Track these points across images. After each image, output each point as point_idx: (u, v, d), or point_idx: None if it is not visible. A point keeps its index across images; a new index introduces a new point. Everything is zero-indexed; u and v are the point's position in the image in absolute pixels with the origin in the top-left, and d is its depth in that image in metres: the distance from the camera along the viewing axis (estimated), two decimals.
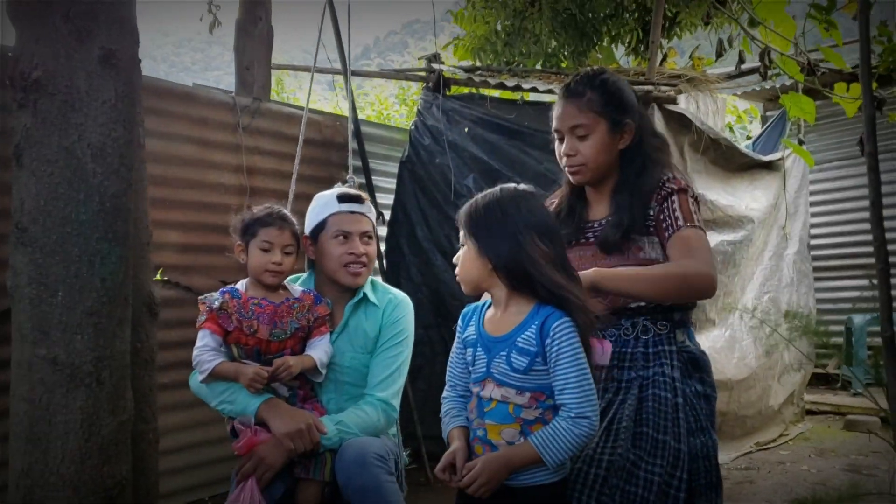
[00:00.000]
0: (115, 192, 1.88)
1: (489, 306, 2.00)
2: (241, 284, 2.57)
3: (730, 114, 9.72)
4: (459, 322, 2.05)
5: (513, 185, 1.98)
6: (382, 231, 5.18)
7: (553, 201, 2.41)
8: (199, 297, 2.46)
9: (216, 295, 2.46)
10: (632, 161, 2.24)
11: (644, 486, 2.01)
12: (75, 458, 1.84)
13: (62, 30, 1.76)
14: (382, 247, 5.10)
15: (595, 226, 2.27)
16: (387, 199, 5.26)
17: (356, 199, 2.72)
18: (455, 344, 2.05)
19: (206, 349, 2.38)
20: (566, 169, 2.27)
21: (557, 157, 2.31)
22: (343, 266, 2.67)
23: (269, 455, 2.37)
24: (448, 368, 2.05)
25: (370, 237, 2.72)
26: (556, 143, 2.30)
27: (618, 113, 2.22)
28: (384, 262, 5.03)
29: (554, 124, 2.29)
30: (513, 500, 1.88)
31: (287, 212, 2.63)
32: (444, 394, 2.05)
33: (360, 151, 4.85)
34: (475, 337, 1.97)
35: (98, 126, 1.85)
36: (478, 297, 2.07)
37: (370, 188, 4.84)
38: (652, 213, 2.17)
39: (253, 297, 2.53)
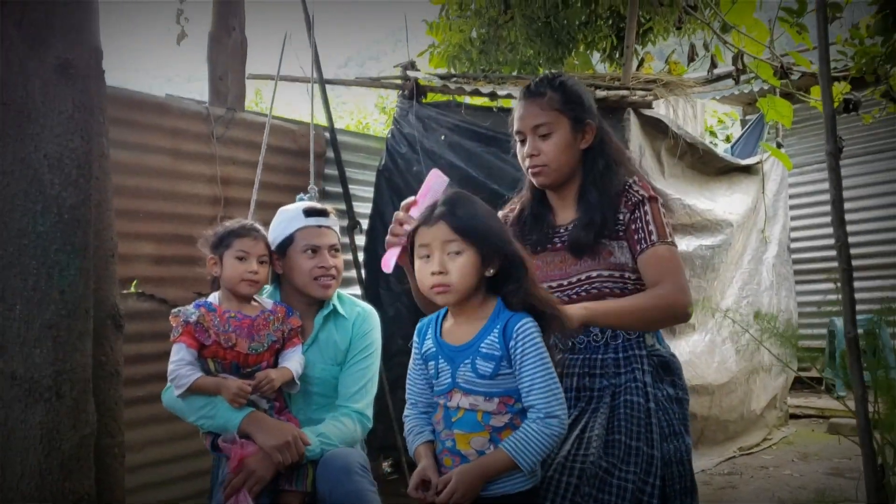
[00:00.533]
0: (73, 203, 1.85)
1: (443, 317, 1.96)
2: (213, 298, 2.57)
3: (712, 117, 9.77)
4: (415, 338, 2.01)
5: (460, 191, 1.96)
6: (361, 241, 5.14)
7: (512, 209, 2.39)
8: (172, 311, 2.45)
9: (191, 309, 2.45)
10: (594, 163, 2.24)
11: (617, 493, 1.99)
12: (35, 473, 1.81)
13: (15, 38, 1.73)
14: (361, 257, 5.07)
15: (562, 231, 2.26)
16: (364, 209, 5.23)
17: (322, 213, 2.75)
18: (413, 360, 2.00)
19: (182, 363, 2.36)
20: (529, 171, 2.26)
21: (520, 160, 2.29)
22: (314, 279, 2.69)
23: (258, 468, 2.39)
24: (408, 386, 2.01)
25: (337, 250, 2.75)
26: (518, 145, 2.29)
27: (579, 112, 2.21)
28: (362, 272, 4.99)
29: (515, 126, 2.27)
30: None
31: (259, 225, 2.65)
32: (406, 412, 2.00)
33: (336, 160, 4.82)
34: (434, 350, 1.93)
35: (55, 137, 1.83)
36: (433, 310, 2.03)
37: (347, 197, 4.81)
38: (622, 217, 2.16)
39: (228, 310, 2.53)
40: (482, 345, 1.84)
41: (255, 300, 2.66)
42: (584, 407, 2.13)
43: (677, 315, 2.13)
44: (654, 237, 2.13)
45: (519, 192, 2.44)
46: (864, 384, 1.46)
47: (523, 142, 2.26)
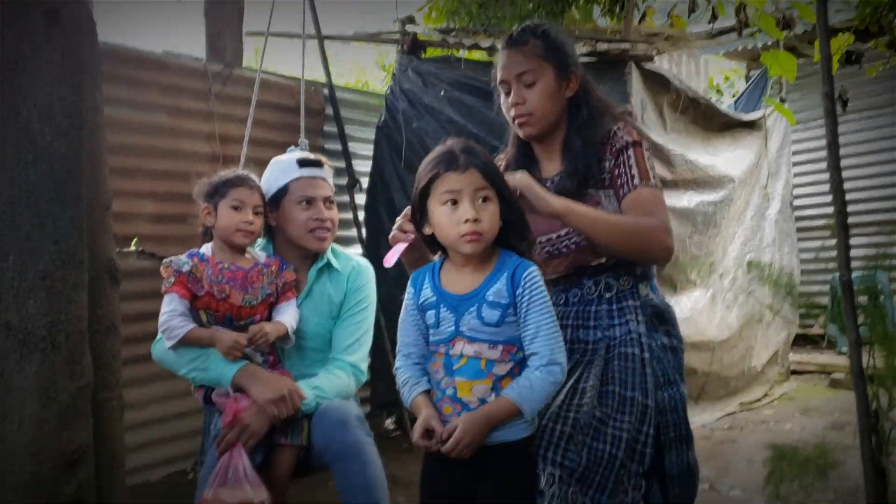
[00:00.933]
0: (64, 154, 1.84)
1: (440, 268, 1.95)
2: (205, 248, 2.51)
3: (718, 74, 9.67)
4: (410, 288, 1.98)
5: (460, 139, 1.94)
6: (361, 199, 5.13)
7: (500, 163, 2.37)
8: (164, 261, 2.39)
9: (184, 259, 2.40)
10: (578, 111, 2.20)
11: (612, 442, 1.99)
12: (32, 423, 1.82)
13: None
14: (361, 216, 5.06)
15: (548, 184, 2.23)
16: (364, 167, 5.21)
17: (317, 164, 2.68)
18: (405, 311, 1.98)
19: (174, 314, 2.32)
20: (515, 122, 2.22)
21: (504, 112, 2.26)
22: (309, 231, 2.63)
23: (253, 422, 2.35)
24: (400, 337, 1.99)
25: (331, 202, 2.69)
26: (503, 97, 2.25)
27: (563, 59, 2.18)
28: (363, 231, 4.99)
29: (499, 76, 2.23)
30: (484, 458, 1.86)
31: (253, 175, 2.60)
32: (398, 363, 1.98)
33: (335, 117, 4.79)
34: (435, 299, 1.91)
35: (44, 86, 1.81)
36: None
37: (346, 155, 4.79)
38: (607, 165, 2.14)
39: (221, 261, 2.48)
40: (489, 293, 1.84)
41: (249, 252, 2.61)
42: (579, 359, 2.13)
43: (653, 249, 2.08)
44: (636, 181, 2.10)
45: (504, 149, 2.41)
46: (857, 327, 1.46)
47: (508, 93, 2.22)
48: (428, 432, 1.84)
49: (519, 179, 1.99)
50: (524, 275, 1.84)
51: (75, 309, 1.89)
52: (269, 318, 2.55)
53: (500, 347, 1.84)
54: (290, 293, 2.61)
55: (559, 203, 2.00)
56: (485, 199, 1.83)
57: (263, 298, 2.51)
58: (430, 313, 1.91)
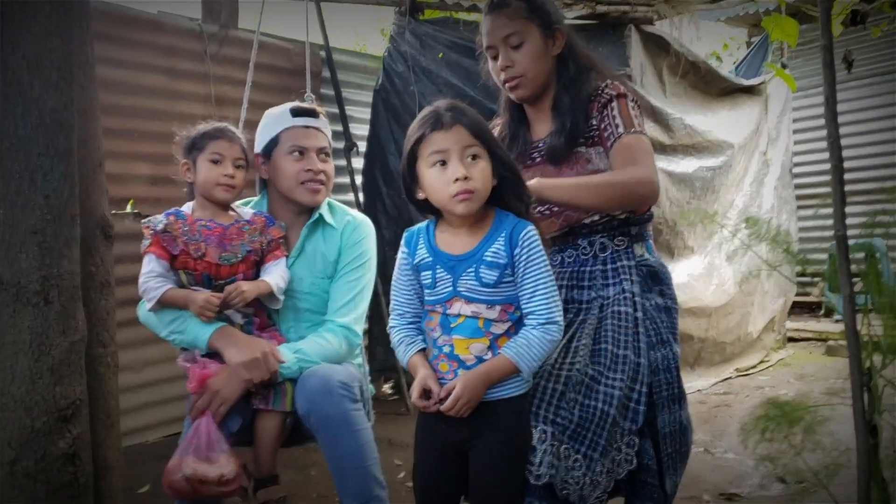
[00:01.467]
0: (54, 106, 1.82)
1: (434, 227, 1.94)
2: (186, 207, 2.42)
3: (717, 41, 9.60)
4: (404, 248, 1.96)
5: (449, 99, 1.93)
6: (358, 163, 5.11)
7: (493, 130, 2.36)
8: (143, 220, 2.31)
9: (160, 217, 2.31)
10: (566, 68, 2.19)
11: (604, 399, 2.00)
12: (26, 377, 1.82)
13: None
14: (358, 180, 5.04)
15: (540, 145, 2.23)
16: (362, 131, 5.18)
17: (311, 113, 2.53)
18: (399, 270, 1.97)
19: (151, 275, 2.23)
20: (505, 85, 2.21)
21: (494, 76, 2.24)
22: (300, 184, 2.49)
23: (223, 387, 2.24)
24: (393, 296, 1.98)
25: (327, 154, 2.55)
26: (490, 62, 2.23)
27: (546, 18, 2.16)
28: (360, 195, 4.97)
29: (485, 42, 2.21)
30: (478, 415, 1.86)
31: (234, 128, 2.48)
32: (392, 323, 1.97)
33: (332, 80, 4.76)
34: (431, 259, 1.90)
35: (32, 38, 1.78)
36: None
37: (343, 118, 4.76)
38: (594, 122, 2.13)
39: (200, 218, 2.38)
40: (486, 253, 1.84)
41: (233, 209, 2.50)
42: (573, 318, 2.13)
43: (642, 193, 2.07)
44: (620, 129, 2.09)
45: (496, 117, 2.40)
46: (851, 282, 1.45)
47: (495, 57, 2.20)
48: (426, 392, 1.84)
49: None
50: (522, 234, 1.83)
51: (68, 264, 1.88)
52: (255, 278, 2.43)
53: (498, 307, 1.84)
54: (279, 251, 2.48)
55: (532, 185, 1.99)
56: (474, 157, 1.82)
57: (244, 256, 2.39)
58: (426, 274, 1.90)
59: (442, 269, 1.88)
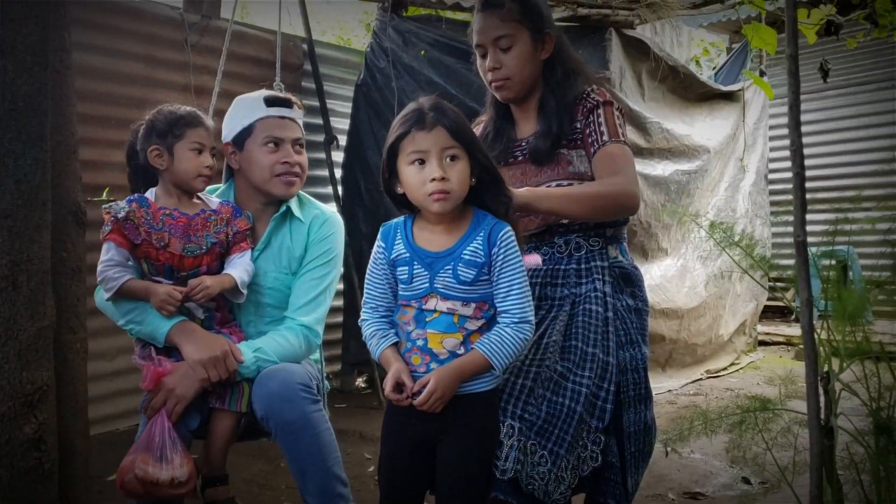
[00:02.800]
0: (28, 91, 1.82)
1: (412, 223, 1.95)
2: (150, 193, 2.34)
3: (698, 46, 9.67)
4: (381, 241, 1.97)
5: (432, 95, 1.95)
6: (338, 157, 5.11)
7: (477, 128, 2.37)
8: (104, 206, 2.23)
9: (122, 204, 2.22)
10: (553, 72, 2.23)
11: (571, 396, 2.04)
12: None
13: None
14: (338, 173, 5.05)
15: (523, 144, 2.26)
16: (342, 124, 5.18)
17: (286, 103, 2.47)
18: (374, 263, 1.97)
19: (110, 264, 2.17)
20: (492, 85, 2.23)
21: (481, 74, 2.26)
22: (275, 176, 2.43)
23: (178, 385, 2.20)
24: (367, 289, 1.98)
25: (301, 145, 2.49)
26: (479, 59, 2.25)
27: (538, 22, 2.19)
28: (339, 188, 4.98)
29: (475, 39, 2.22)
30: (447, 409, 1.87)
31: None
32: (364, 316, 1.98)
33: (313, 73, 4.76)
34: (408, 255, 1.91)
35: (8, 22, 1.78)
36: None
37: (324, 111, 4.76)
38: (578, 125, 2.17)
39: (164, 207, 2.30)
40: (465, 252, 1.86)
41: (200, 197, 2.42)
42: (544, 315, 2.17)
43: (624, 204, 2.13)
44: (605, 137, 2.13)
45: (484, 112, 2.43)
46: (809, 288, 1.48)
47: (484, 56, 2.22)
48: (399, 385, 1.86)
49: None
50: (500, 234, 1.87)
51: (38, 249, 1.88)
52: (220, 270, 2.37)
53: (473, 305, 1.87)
54: (244, 243, 2.41)
55: (523, 194, 2.02)
56: (452, 158, 1.84)
57: (209, 248, 2.33)
58: (403, 269, 1.92)
59: (419, 266, 1.90)
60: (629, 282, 2.25)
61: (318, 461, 2.27)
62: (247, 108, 2.47)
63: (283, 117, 2.46)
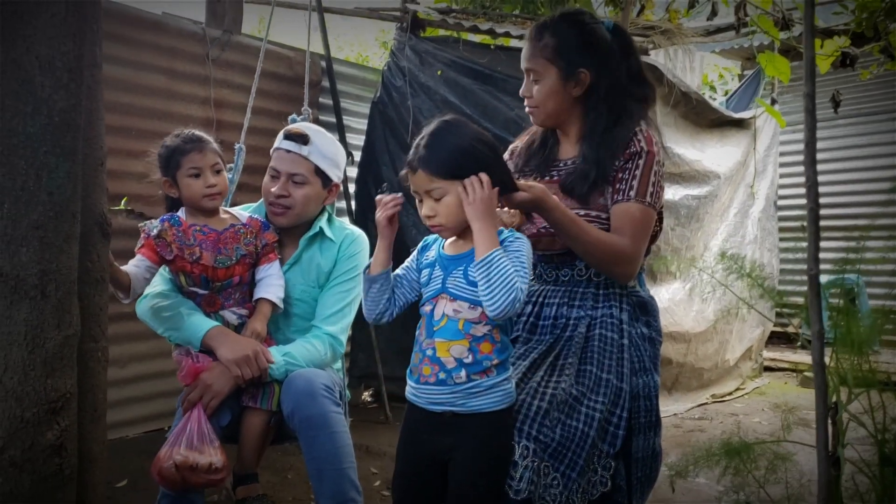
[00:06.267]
0: (63, 107, 1.86)
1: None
2: (181, 212, 2.54)
3: (713, 71, 9.73)
4: (420, 246, 2.10)
5: (449, 116, 2.00)
6: (353, 172, 5.17)
7: (525, 137, 2.45)
8: (140, 224, 2.45)
9: (155, 223, 2.44)
10: (595, 109, 2.23)
11: (585, 420, 2.06)
12: (18, 369, 1.85)
13: None
14: (352, 188, 5.11)
15: (562, 165, 2.30)
16: (357, 140, 5.25)
17: (297, 139, 2.63)
18: (409, 261, 2.09)
19: (131, 265, 2.41)
20: (526, 109, 2.31)
21: None
22: (269, 203, 2.65)
23: (215, 382, 2.38)
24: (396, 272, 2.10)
25: (301, 182, 2.63)
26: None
27: (570, 61, 2.20)
28: (352, 203, 5.03)
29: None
30: (460, 427, 1.93)
31: (199, 132, 2.58)
32: None
33: (331, 90, 4.82)
34: (434, 259, 2.02)
35: (47, 39, 1.83)
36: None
37: (340, 127, 4.82)
38: (618, 164, 2.18)
39: (194, 224, 2.50)
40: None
41: (229, 212, 2.62)
42: (560, 335, 2.20)
43: (614, 271, 2.16)
44: (632, 192, 2.14)
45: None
46: (821, 319, 1.52)
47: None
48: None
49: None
50: (509, 238, 1.93)
51: (66, 260, 1.92)
52: (252, 279, 2.57)
53: (479, 310, 1.91)
54: (272, 255, 2.60)
55: (541, 188, 2.06)
56: (441, 197, 1.91)
57: (239, 259, 2.51)
58: (426, 272, 2.02)
59: (438, 267, 1.99)
60: (645, 311, 2.29)
61: (335, 461, 2.38)
62: (278, 138, 2.69)
63: (289, 151, 2.63)
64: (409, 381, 2.03)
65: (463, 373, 1.91)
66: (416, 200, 1.98)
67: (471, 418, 1.93)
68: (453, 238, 2.02)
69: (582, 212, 2.17)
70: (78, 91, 1.91)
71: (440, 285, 1.97)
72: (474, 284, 1.90)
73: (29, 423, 1.88)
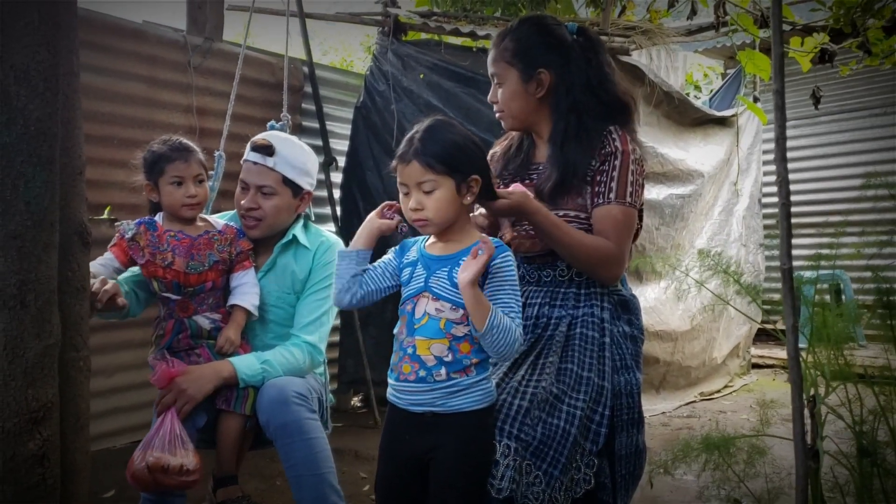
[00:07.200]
0: (39, 116, 1.86)
1: (428, 238, 2.05)
2: (158, 217, 2.56)
3: (697, 71, 9.77)
4: (399, 247, 2.09)
5: (441, 116, 2.02)
6: (337, 178, 5.17)
7: (503, 141, 2.46)
8: (116, 223, 2.48)
9: (131, 225, 2.46)
10: (557, 109, 2.24)
11: (566, 418, 2.07)
12: None
13: None
14: (336, 194, 5.11)
15: (540, 168, 2.31)
16: (341, 146, 5.25)
17: (262, 150, 2.64)
18: (388, 256, 2.08)
19: (97, 263, 2.41)
20: (496, 115, 2.34)
21: None
22: (241, 216, 2.67)
23: (190, 387, 2.39)
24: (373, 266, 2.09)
25: (269, 193, 2.64)
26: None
27: (529, 63, 2.23)
28: (337, 209, 5.03)
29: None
30: (441, 427, 1.94)
31: (187, 141, 2.60)
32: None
33: (314, 95, 4.82)
34: (415, 258, 2.02)
35: (21, 48, 1.82)
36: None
37: (323, 133, 4.82)
38: (594, 164, 2.18)
39: (170, 229, 2.53)
40: (462, 258, 1.92)
41: (205, 219, 2.64)
42: (541, 334, 2.21)
43: (600, 274, 2.17)
44: (611, 195, 2.15)
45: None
46: (795, 314, 1.54)
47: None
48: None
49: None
50: (501, 253, 1.94)
51: (45, 269, 1.91)
52: (226, 286, 2.60)
53: (461, 311, 1.92)
54: (247, 262, 2.63)
55: (523, 193, 2.09)
56: (431, 189, 1.91)
57: (212, 265, 2.53)
58: (407, 271, 2.01)
59: (420, 266, 1.99)
60: (627, 309, 2.29)
61: (313, 467, 2.41)
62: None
63: (256, 163, 2.64)
64: (389, 381, 2.03)
65: (443, 370, 1.92)
66: (402, 195, 1.98)
67: (451, 418, 1.94)
68: (433, 240, 2.02)
69: (560, 212, 2.17)
70: (54, 100, 1.91)
71: (422, 283, 1.97)
72: (457, 286, 1.91)
73: (10, 434, 1.87)
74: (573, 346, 2.17)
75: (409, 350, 1.96)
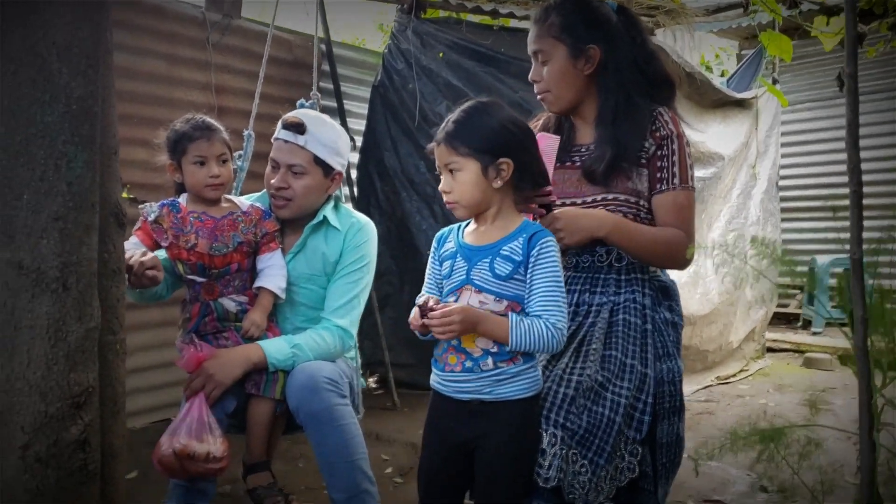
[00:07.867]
0: (81, 95, 1.81)
1: (467, 225, 2.01)
2: (182, 198, 2.51)
3: (710, 51, 9.70)
4: (434, 244, 2.06)
5: (486, 98, 1.98)
6: (354, 158, 5.12)
7: (536, 123, 2.40)
8: (139, 206, 2.43)
9: (154, 207, 2.42)
10: (607, 88, 2.20)
11: (611, 406, 2.05)
12: (41, 363, 1.81)
13: None
14: (354, 174, 5.06)
15: (582, 150, 2.26)
16: (358, 125, 5.19)
17: (293, 128, 2.57)
18: (429, 265, 2.06)
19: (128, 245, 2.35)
20: (537, 96, 2.27)
21: None
22: (271, 196, 2.62)
23: (218, 371, 2.36)
24: (423, 288, 2.06)
25: (300, 172, 2.57)
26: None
27: (577, 38, 2.17)
28: (355, 189, 4.99)
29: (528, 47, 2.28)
30: (487, 415, 1.92)
31: (210, 119, 2.54)
32: None
33: (331, 74, 4.77)
34: (454, 249, 1.98)
35: (64, 24, 1.77)
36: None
37: (341, 112, 4.77)
38: (647, 146, 2.14)
39: (193, 210, 2.47)
40: (504, 247, 1.90)
41: (231, 200, 2.59)
42: (583, 321, 2.18)
43: (678, 261, 2.14)
44: (676, 180, 2.13)
45: (534, 116, 2.45)
46: (865, 306, 1.50)
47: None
48: (423, 306, 1.88)
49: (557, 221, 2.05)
50: (542, 239, 1.90)
51: (87, 251, 1.87)
52: (253, 267, 2.54)
53: (505, 303, 1.90)
54: (273, 243, 2.57)
55: (612, 222, 2.08)
56: (457, 170, 1.89)
57: (236, 247, 2.48)
58: (447, 263, 1.98)
59: (460, 258, 1.95)
60: (667, 295, 2.27)
61: (345, 454, 2.38)
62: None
63: (287, 141, 2.58)
64: (433, 370, 2.01)
65: (489, 360, 1.90)
66: (440, 175, 1.96)
67: (498, 406, 1.91)
68: (472, 226, 1.98)
69: (610, 196, 2.15)
70: (95, 78, 1.86)
71: (464, 276, 1.93)
72: (500, 277, 1.89)
73: (53, 419, 1.84)
74: (616, 332, 2.15)
75: (454, 342, 1.93)
